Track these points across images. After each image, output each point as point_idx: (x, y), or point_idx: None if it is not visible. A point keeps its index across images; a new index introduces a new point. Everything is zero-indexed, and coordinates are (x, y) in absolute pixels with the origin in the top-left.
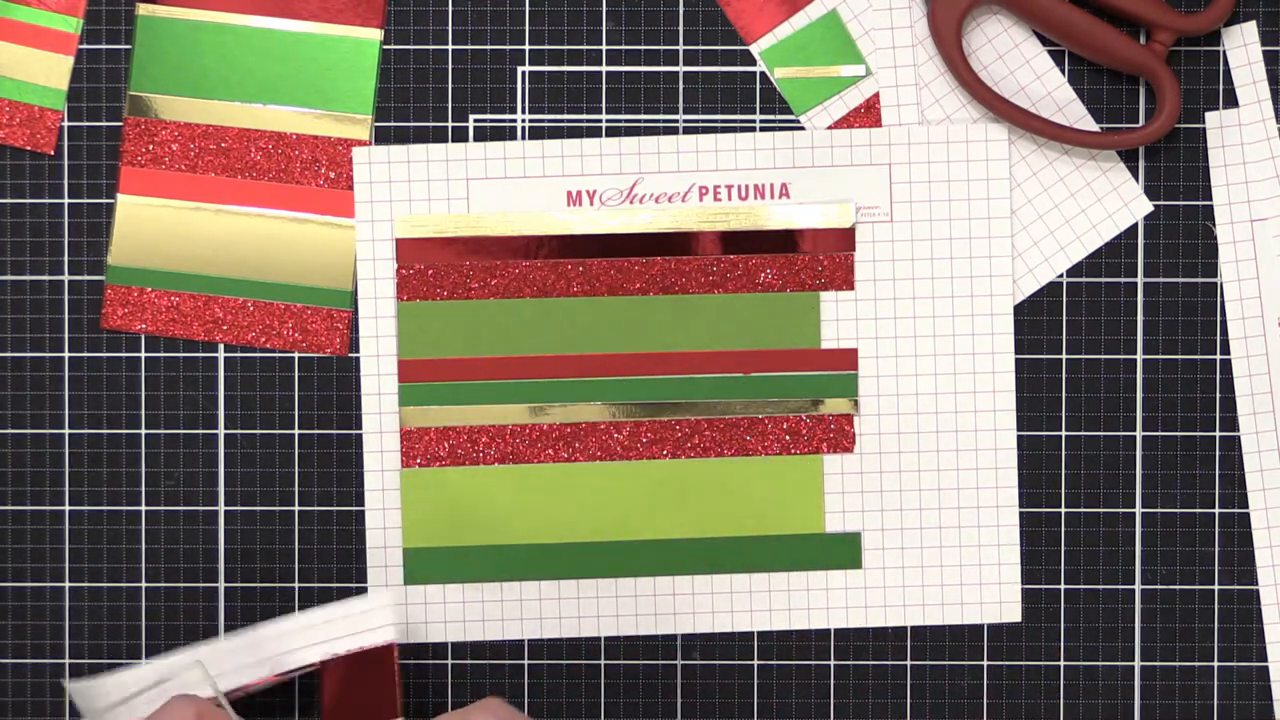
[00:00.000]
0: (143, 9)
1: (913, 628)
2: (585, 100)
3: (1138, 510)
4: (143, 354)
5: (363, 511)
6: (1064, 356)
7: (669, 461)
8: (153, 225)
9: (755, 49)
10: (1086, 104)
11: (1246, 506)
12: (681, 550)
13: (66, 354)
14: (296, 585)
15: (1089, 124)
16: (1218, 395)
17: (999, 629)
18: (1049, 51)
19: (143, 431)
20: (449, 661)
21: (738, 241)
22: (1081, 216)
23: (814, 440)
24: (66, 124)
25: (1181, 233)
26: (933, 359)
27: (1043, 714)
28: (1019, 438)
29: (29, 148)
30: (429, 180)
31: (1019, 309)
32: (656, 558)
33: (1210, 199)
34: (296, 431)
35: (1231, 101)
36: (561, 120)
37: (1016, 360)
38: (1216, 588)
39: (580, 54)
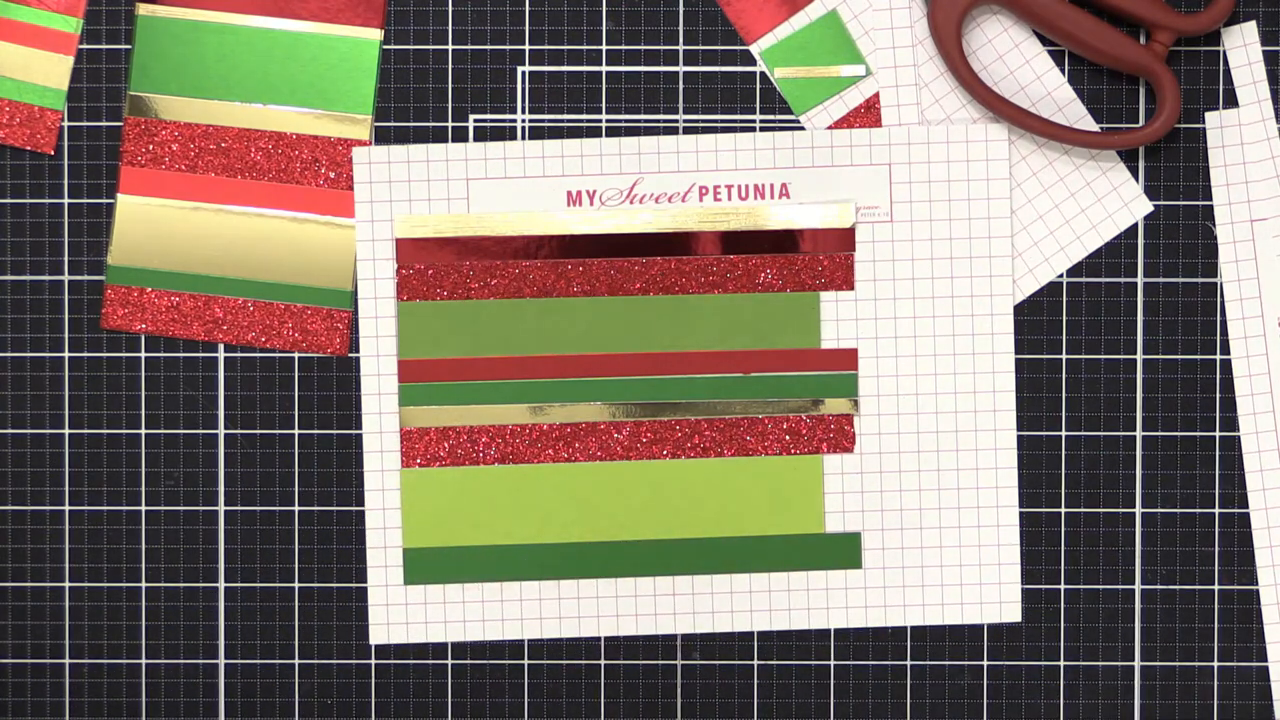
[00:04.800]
0: (143, 9)
1: (913, 628)
2: (585, 100)
3: (1138, 510)
4: (143, 354)
5: (363, 511)
6: (1064, 356)
7: (669, 461)
8: (153, 225)
9: (755, 49)
10: (1086, 104)
11: (1246, 506)
12: (681, 550)
13: (66, 354)
14: (296, 585)
15: (1089, 124)
16: (1218, 395)
17: (999, 629)
18: (1049, 51)
19: (143, 431)
20: (449, 662)
21: (738, 242)
22: (1081, 216)
23: (814, 440)
24: (66, 124)
25: (1181, 233)
26: (933, 359)
27: (1043, 714)
28: (1019, 438)
29: (29, 148)
30: (429, 180)
31: (1019, 309)
32: (656, 558)
33: (1210, 199)
34: (296, 431)
35: (1231, 101)
36: (561, 120)
37: (1016, 360)
38: (1216, 588)
39: (580, 54)
